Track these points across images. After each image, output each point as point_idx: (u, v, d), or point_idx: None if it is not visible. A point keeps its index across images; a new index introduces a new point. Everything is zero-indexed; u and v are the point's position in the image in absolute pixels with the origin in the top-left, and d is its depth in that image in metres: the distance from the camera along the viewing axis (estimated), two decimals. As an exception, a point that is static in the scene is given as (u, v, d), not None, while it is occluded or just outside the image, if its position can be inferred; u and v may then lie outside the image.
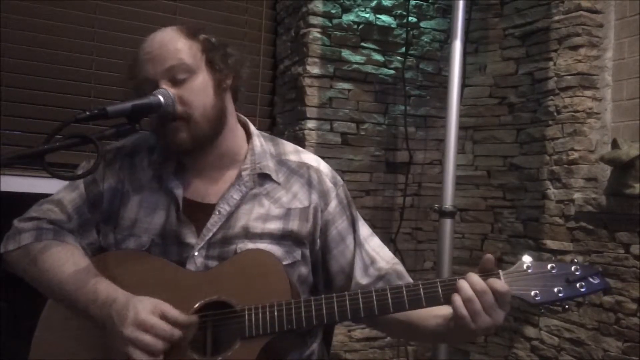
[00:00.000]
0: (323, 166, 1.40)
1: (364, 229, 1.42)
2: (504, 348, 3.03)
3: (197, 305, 1.20)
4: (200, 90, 1.25)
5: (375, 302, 1.17)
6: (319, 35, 2.93)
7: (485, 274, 1.15)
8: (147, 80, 1.23)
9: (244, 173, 1.31)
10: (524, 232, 3.01)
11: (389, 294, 1.17)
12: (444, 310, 1.20)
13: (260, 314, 1.18)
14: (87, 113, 1.12)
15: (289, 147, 1.41)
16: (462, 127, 2.88)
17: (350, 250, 1.36)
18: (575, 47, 2.76)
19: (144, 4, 2.92)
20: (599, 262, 2.60)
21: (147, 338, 1.11)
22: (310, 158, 1.40)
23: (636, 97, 2.61)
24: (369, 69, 3.04)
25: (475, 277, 1.13)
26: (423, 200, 3.20)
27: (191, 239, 1.27)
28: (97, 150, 1.10)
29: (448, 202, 2.64)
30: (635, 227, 2.44)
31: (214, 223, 1.28)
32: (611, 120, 2.74)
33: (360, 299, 1.18)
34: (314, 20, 2.92)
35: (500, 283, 1.12)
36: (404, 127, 3.10)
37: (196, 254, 1.26)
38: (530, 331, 2.91)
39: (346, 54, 2.98)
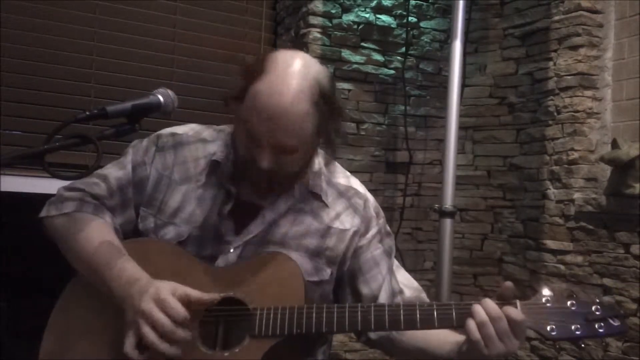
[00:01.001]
0: (369, 195, 1.43)
1: (395, 260, 1.45)
2: (504, 348, 3.02)
3: None
4: (298, 160, 1.24)
5: (387, 317, 1.18)
6: (319, 35, 2.93)
7: (502, 302, 1.15)
8: (252, 135, 1.19)
9: (296, 187, 1.33)
10: (524, 232, 3.01)
11: (401, 311, 1.18)
12: (460, 337, 1.21)
13: (271, 315, 1.19)
14: (87, 113, 1.12)
15: (339, 170, 1.43)
16: (462, 127, 2.88)
17: (382, 276, 1.38)
18: (575, 47, 2.76)
19: (144, 4, 2.92)
20: (599, 262, 2.60)
21: (160, 315, 1.11)
22: (357, 184, 1.43)
23: (636, 97, 2.61)
24: (369, 69, 3.04)
25: (490, 303, 1.14)
26: (423, 200, 3.20)
27: (229, 236, 1.29)
28: (97, 150, 1.10)
29: (448, 202, 2.64)
30: (635, 227, 2.44)
31: (256, 226, 1.29)
32: (611, 120, 2.74)
33: (373, 312, 1.19)
34: (314, 20, 2.92)
35: (515, 311, 1.13)
36: (404, 127, 3.10)
37: (232, 250, 1.28)
38: (530, 331, 2.90)
39: (346, 54, 2.98)
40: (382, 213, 1.43)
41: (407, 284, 1.42)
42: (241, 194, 1.31)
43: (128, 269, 1.21)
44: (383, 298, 1.36)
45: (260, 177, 1.24)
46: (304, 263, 1.28)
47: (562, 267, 2.77)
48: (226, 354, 1.19)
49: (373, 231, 1.38)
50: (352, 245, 1.35)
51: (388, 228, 1.44)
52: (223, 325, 1.23)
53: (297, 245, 1.30)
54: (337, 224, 1.34)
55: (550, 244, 2.83)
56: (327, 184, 1.37)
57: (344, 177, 1.42)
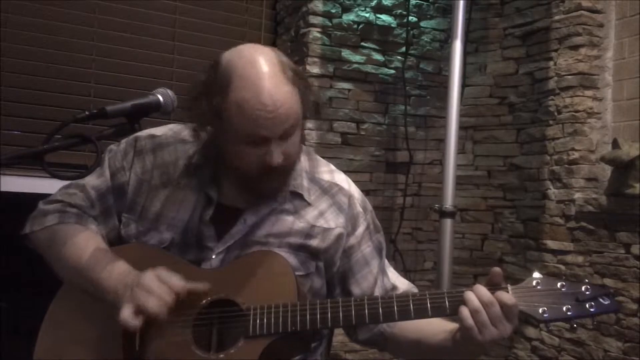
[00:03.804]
0: (354, 189, 1.40)
1: (385, 259, 1.43)
2: (504, 348, 3.02)
3: (204, 302, 1.21)
4: (298, 141, 1.24)
5: (380, 309, 1.18)
6: (319, 35, 2.92)
7: (493, 287, 1.15)
8: (262, 138, 1.17)
9: None
10: (524, 232, 3.00)
11: (395, 302, 1.18)
12: (452, 325, 1.21)
13: (265, 314, 1.18)
14: (87, 113, 1.12)
15: (322, 165, 1.41)
16: (462, 127, 2.88)
17: (374, 275, 1.36)
18: (575, 47, 2.75)
19: (144, 4, 2.92)
20: (599, 263, 2.60)
21: (163, 287, 1.14)
22: (342, 179, 1.40)
23: (636, 97, 2.61)
24: (369, 68, 3.04)
25: (482, 289, 1.13)
26: (423, 200, 3.19)
27: (211, 242, 1.28)
28: (97, 150, 1.10)
29: (448, 202, 2.64)
30: (635, 227, 2.44)
31: (237, 231, 1.28)
32: (612, 120, 2.74)
33: (366, 305, 1.18)
34: (314, 19, 2.92)
35: (507, 295, 1.13)
36: (404, 127, 3.10)
37: (214, 257, 1.27)
38: (530, 331, 2.91)
39: (346, 53, 2.98)
40: (369, 207, 1.41)
41: (398, 282, 1.40)
42: (222, 198, 1.30)
43: (119, 265, 1.21)
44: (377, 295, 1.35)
45: (274, 176, 1.23)
46: (289, 258, 1.26)
47: (562, 267, 2.77)
48: (221, 356, 1.18)
49: (361, 229, 1.36)
50: (339, 247, 1.33)
51: (377, 222, 1.41)
52: (217, 327, 1.22)
53: (279, 243, 1.28)
54: (321, 222, 1.32)
55: (551, 244, 2.82)
56: (309, 181, 1.35)
57: (327, 173, 1.39)
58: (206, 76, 1.20)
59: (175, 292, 1.14)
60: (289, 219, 1.30)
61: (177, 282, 1.15)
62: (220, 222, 1.28)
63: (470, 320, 1.12)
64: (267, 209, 1.29)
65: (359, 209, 1.37)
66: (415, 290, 1.40)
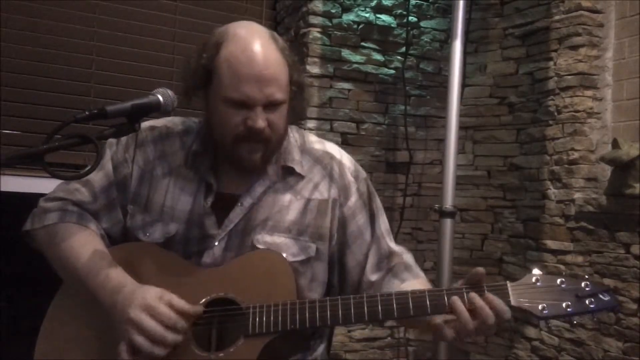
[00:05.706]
0: (345, 158, 1.41)
1: (384, 224, 1.42)
2: (505, 348, 3.02)
3: (203, 300, 1.22)
4: (284, 115, 1.27)
5: (380, 307, 1.18)
6: (319, 35, 2.92)
7: (494, 286, 1.16)
8: (241, 101, 1.20)
9: (269, 167, 1.32)
10: (524, 232, 3.00)
11: (394, 300, 1.18)
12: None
13: (264, 313, 1.19)
14: (87, 113, 1.12)
15: (313, 137, 1.43)
16: (462, 127, 2.88)
17: (367, 245, 1.37)
18: (575, 47, 2.76)
19: (144, 4, 2.92)
20: (599, 262, 2.60)
21: (151, 323, 1.13)
22: (333, 148, 1.42)
23: (636, 97, 2.61)
24: (369, 68, 3.04)
25: (458, 305, 1.15)
26: (423, 200, 3.19)
27: (213, 229, 1.29)
28: (97, 150, 1.10)
29: (448, 202, 2.64)
30: (635, 227, 2.44)
31: (236, 215, 1.30)
32: (611, 120, 2.74)
33: (365, 304, 1.19)
34: (313, 19, 2.92)
35: (486, 311, 1.13)
36: (404, 127, 3.10)
37: (216, 244, 1.28)
38: (530, 331, 2.91)
39: (346, 53, 2.98)
40: (362, 174, 1.41)
41: (395, 248, 1.41)
42: (221, 186, 1.32)
43: (113, 276, 1.21)
44: (369, 268, 1.36)
45: (256, 144, 1.24)
46: (289, 245, 1.28)
47: (562, 267, 2.77)
48: (221, 355, 1.18)
49: (354, 198, 1.37)
50: (335, 217, 1.34)
51: (371, 188, 1.42)
52: (217, 326, 1.22)
53: (280, 228, 1.29)
54: (316, 195, 1.33)
55: (551, 244, 2.82)
56: (301, 153, 1.36)
57: (318, 143, 1.41)
58: (202, 43, 1.26)
59: (167, 326, 1.13)
60: (285, 197, 1.32)
61: (169, 315, 1.13)
62: (221, 209, 1.30)
63: (465, 315, 1.14)
64: (261, 189, 1.31)
65: (350, 177, 1.38)
66: (408, 256, 1.41)
